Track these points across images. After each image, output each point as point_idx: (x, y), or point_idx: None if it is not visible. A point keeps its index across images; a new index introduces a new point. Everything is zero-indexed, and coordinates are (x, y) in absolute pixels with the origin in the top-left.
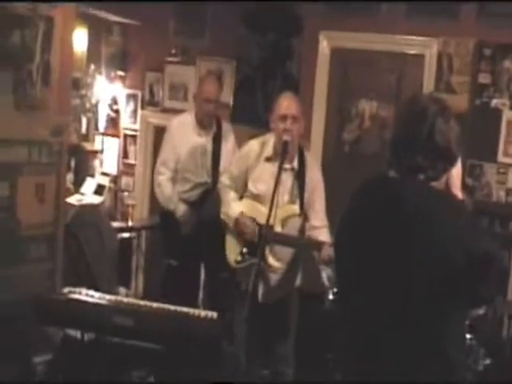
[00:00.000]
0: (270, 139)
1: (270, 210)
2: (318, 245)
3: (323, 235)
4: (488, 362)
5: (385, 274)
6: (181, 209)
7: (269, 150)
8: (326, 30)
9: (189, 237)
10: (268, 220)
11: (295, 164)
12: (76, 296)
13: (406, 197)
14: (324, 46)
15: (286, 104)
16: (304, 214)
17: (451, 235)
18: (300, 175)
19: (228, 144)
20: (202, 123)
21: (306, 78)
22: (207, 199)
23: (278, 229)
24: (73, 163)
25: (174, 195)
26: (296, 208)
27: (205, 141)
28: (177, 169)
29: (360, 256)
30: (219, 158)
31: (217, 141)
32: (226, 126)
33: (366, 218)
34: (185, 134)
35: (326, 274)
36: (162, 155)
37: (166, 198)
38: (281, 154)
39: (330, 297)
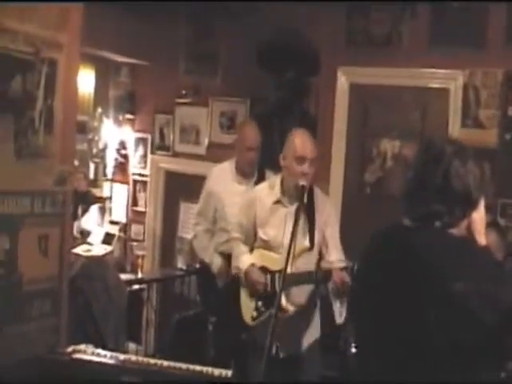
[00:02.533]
0: (277, 180)
1: (288, 258)
2: (329, 273)
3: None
4: None
5: (402, 328)
6: (217, 262)
7: (276, 192)
8: (345, 66)
9: (225, 290)
10: (286, 268)
11: (304, 199)
12: (80, 355)
13: (421, 247)
14: (342, 82)
15: (303, 144)
16: (319, 252)
17: (474, 287)
18: (309, 210)
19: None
20: (242, 171)
21: (325, 116)
22: None
23: (290, 269)
24: (80, 211)
25: (209, 247)
26: (306, 243)
27: (245, 189)
28: (215, 219)
29: (377, 310)
30: None
31: None
32: (269, 173)
33: (380, 270)
34: (224, 182)
35: (338, 309)
36: (199, 204)
37: (201, 250)
38: (298, 198)
39: (353, 350)
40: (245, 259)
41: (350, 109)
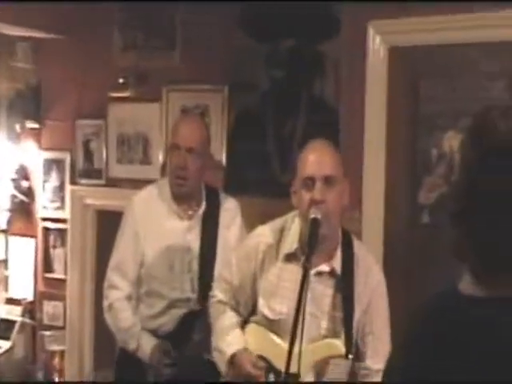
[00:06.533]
0: (293, 223)
1: (292, 344)
2: None
3: None
4: None
5: None
6: (147, 347)
7: (291, 241)
8: (379, 19)
9: None
10: (288, 363)
11: (337, 264)
12: None
13: (497, 334)
14: (376, 45)
15: (314, 158)
16: (356, 348)
17: None
18: (346, 283)
19: (230, 231)
20: (181, 197)
21: (350, 103)
22: (193, 330)
23: (307, 378)
24: None
25: (135, 324)
26: (339, 345)
27: (187, 226)
28: (141, 278)
29: None
30: (214, 257)
31: (209, 226)
32: (226, 200)
33: (434, 359)
34: (154, 218)
35: None
36: (115, 257)
37: (122, 330)
38: (308, 243)
39: None
40: (235, 337)
41: (390, 88)
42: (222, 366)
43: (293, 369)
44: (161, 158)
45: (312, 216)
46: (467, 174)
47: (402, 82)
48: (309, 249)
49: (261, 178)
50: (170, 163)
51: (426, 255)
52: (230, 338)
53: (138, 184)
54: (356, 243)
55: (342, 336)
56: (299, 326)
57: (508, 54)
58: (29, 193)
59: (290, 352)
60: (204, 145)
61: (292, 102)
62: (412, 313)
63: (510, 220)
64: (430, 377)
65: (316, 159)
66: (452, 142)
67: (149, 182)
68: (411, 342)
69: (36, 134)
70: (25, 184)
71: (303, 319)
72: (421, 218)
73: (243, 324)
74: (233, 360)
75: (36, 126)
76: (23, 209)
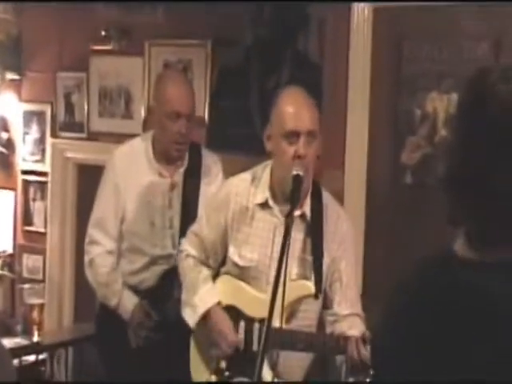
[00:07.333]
0: (263, 172)
1: (274, 292)
2: (344, 342)
3: (355, 328)
4: None
5: None
6: (128, 303)
7: (262, 191)
8: None
9: (144, 351)
10: (271, 312)
11: (307, 209)
12: None
13: (487, 299)
14: (361, 5)
15: (294, 111)
16: (324, 295)
17: None
18: (316, 228)
19: (212, 188)
20: (164, 154)
21: (334, 61)
22: (173, 286)
23: (277, 322)
24: None
25: (116, 279)
26: (310, 285)
27: (168, 183)
28: (122, 234)
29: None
30: (195, 213)
31: (191, 182)
32: (208, 156)
33: (421, 322)
34: (134, 173)
35: None
36: (96, 212)
37: (102, 285)
38: (291, 196)
39: None
40: (206, 292)
41: (374, 48)
42: (192, 321)
43: (264, 314)
44: (143, 112)
45: (294, 173)
46: (459, 138)
47: (386, 42)
48: (291, 204)
49: (243, 135)
50: (168, 130)
51: (409, 215)
52: (203, 293)
53: (120, 138)
54: (325, 193)
55: (312, 279)
56: (281, 280)
57: (493, 14)
58: (8, 145)
59: (272, 302)
60: (195, 106)
61: (276, 58)
62: (398, 274)
63: (507, 185)
64: (418, 343)
65: (296, 112)
66: (435, 102)
67: (130, 136)
68: (399, 306)
69: (16, 86)
70: (4, 136)
71: (285, 270)
72: (403, 178)
73: (214, 277)
74: (206, 316)
75: (16, 77)
76: (3, 161)
